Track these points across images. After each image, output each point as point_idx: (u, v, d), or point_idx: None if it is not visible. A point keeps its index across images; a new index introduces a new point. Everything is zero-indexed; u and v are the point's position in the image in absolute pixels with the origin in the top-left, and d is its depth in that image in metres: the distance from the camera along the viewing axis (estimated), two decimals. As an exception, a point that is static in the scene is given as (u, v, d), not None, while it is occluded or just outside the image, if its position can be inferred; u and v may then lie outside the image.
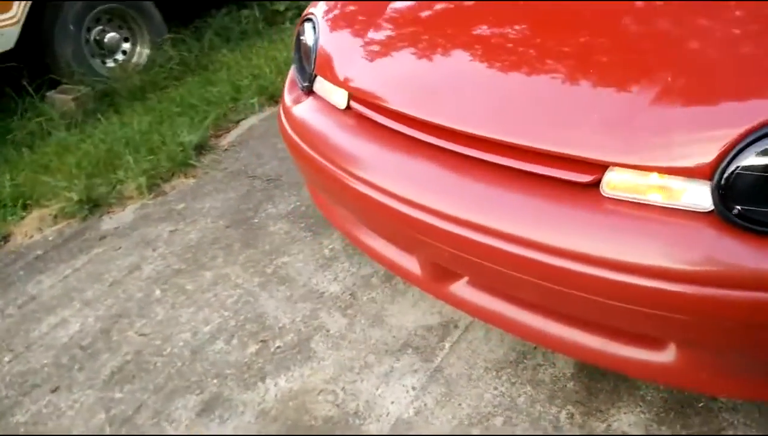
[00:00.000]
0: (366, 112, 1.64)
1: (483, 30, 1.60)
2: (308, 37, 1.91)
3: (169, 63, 4.13)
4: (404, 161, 1.51)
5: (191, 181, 2.87)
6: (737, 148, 1.08)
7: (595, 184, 1.22)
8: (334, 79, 1.75)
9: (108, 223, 2.65)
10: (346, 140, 1.67)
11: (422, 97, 1.52)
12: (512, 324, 1.48)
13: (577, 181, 1.23)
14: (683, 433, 1.47)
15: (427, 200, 1.41)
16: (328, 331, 1.94)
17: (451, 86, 1.49)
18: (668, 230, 1.14)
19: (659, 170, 1.15)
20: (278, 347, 1.91)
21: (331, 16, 1.95)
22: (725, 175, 1.09)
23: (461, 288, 1.54)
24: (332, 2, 2.01)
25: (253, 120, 3.40)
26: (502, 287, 1.44)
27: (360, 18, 1.89)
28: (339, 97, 1.73)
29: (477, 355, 1.76)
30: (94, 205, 2.74)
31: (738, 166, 1.08)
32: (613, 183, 1.20)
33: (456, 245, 1.38)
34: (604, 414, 1.55)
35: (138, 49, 4.24)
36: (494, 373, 1.70)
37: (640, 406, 1.55)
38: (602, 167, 1.21)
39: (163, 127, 3.29)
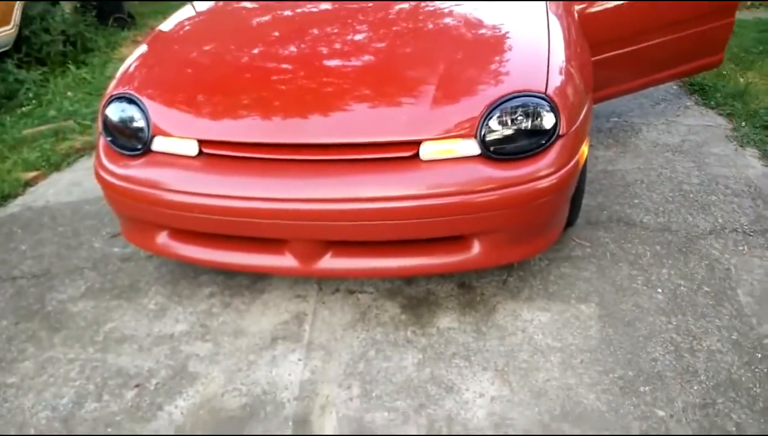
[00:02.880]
0: (219, 152, 2.06)
1: (290, 51, 2.23)
2: (129, 111, 2.18)
3: None
4: (270, 176, 2.00)
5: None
6: (484, 117, 1.96)
7: (416, 155, 1.96)
8: (180, 135, 2.10)
9: None
10: (207, 176, 2.04)
11: (268, 126, 2.04)
12: (366, 271, 2.11)
13: (405, 155, 1.96)
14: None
15: (303, 194, 1.94)
16: (198, 355, 2.17)
17: (287, 110, 2.06)
18: (457, 167, 1.95)
19: (449, 137, 1.97)
20: (157, 383, 2.06)
21: (143, 86, 2.26)
22: (482, 133, 1.96)
23: (327, 261, 2.08)
24: (131, 73, 2.32)
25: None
26: (361, 236, 2.02)
27: (170, 81, 2.27)
28: (188, 147, 2.09)
29: (332, 324, 2.26)
30: None
31: (488, 128, 1.96)
32: (426, 152, 1.97)
33: (330, 217, 1.94)
34: (431, 323, 2.23)
35: None
36: (350, 329, 2.23)
37: (446, 310, 2.29)
38: (418, 144, 1.96)
39: None
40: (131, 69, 2.37)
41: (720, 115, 3.96)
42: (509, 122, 1.97)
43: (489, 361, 2.06)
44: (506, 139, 1.97)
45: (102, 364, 2.15)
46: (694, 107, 4.11)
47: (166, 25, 2.65)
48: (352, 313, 2.32)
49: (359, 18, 2.50)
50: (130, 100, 2.20)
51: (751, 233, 2.69)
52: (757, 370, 1.97)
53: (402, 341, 2.18)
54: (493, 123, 1.96)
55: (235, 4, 2.78)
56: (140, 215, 2.20)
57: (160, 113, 2.15)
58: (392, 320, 2.28)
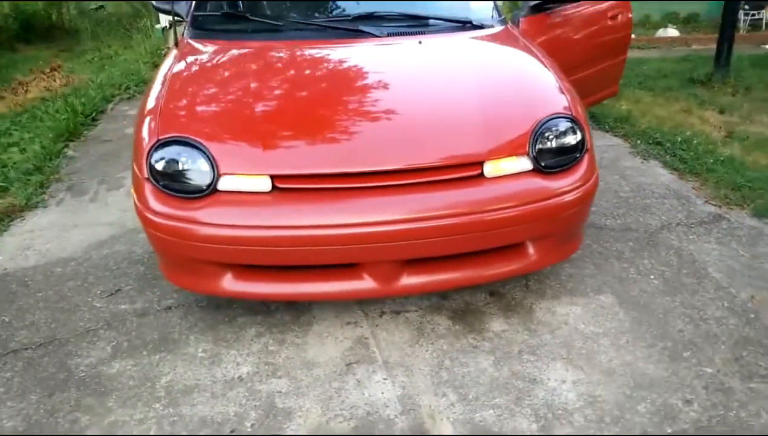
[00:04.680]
0: (294, 186, 2.10)
1: (325, 87, 2.43)
2: (187, 155, 2.14)
3: None
4: (347, 203, 2.08)
5: None
6: (532, 137, 2.24)
7: (481, 174, 2.18)
8: (252, 172, 2.10)
9: None
10: (284, 209, 2.07)
11: (341, 156, 2.13)
12: (439, 284, 2.28)
13: (472, 174, 2.17)
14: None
15: (381, 217, 2.07)
16: (280, 391, 2.15)
17: (355, 140, 2.17)
18: (516, 182, 2.21)
19: (506, 156, 2.22)
20: (252, 424, 2.02)
21: (195, 128, 2.23)
22: (533, 151, 2.24)
23: (405, 279, 2.21)
24: (168, 117, 2.28)
25: None
26: (437, 252, 2.18)
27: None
28: (261, 184, 2.10)
29: (396, 343, 2.36)
30: None
31: (536, 147, 2.24)
32: (489, 170, 2.20)
33: (409, 236, 2.08)
34: (485, 328, 2.42)
35: None
36: (416, 345, 2.34)
37: (491, 316, 2.49)
38: (481, 163, 2.19)
39: None
40: (164, 113, 2.31)
41: (616, 136, 4.66)
42: (552, 141, 2.27)
43: (553, 352, 2.30)
44: (551, 155, 2.27)
45: (179, 418, 2.05)
46: (595, 132, 4.78)
47: (177, 67, 2.61)
48: (409, 331, 2.43)
49: (368, 56, 2.68)
50: (185, 144, 2.17)
51: (691, 225, 3.24)
52: (758, 326, 2.43)
53: (468, 347, 2.34)
54: (540, 142, 2.25)
55: (239, 46, 2.80)
56: (206, 257, 2.15)
57: (224, 153, 2.14)
58: (449, 331, 2.43)
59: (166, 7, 3.10)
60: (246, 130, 2.21)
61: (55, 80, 6.93)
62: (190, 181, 2.14)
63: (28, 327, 2.56)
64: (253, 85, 2.40)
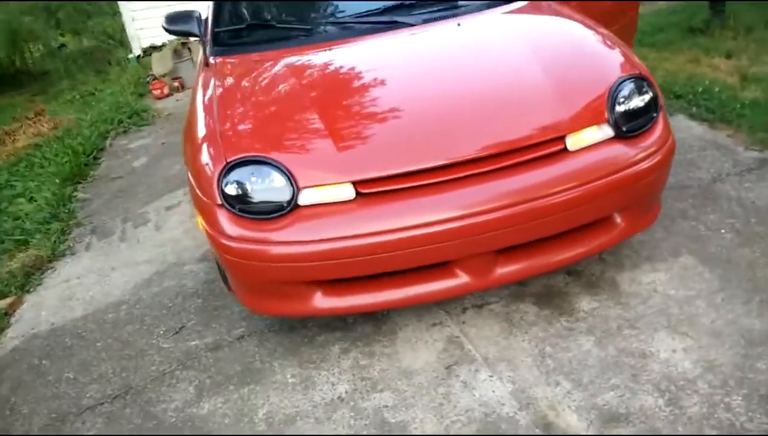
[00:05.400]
0: (378, 190, 2.00)
1: (386, 81, 2.33)
2: (262, 173, 2.04)
3: None
4: (434, 199, 1.99)
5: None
6: (609, 103, 2.15)
7: (565, 149, 2.10)
8: (333, 181, 2.00)
9: None
10: (374, 214, 1.97)
11: (420, 152, 2.03)
12: (534, 269, 2.19)
13: (556, 150, 2.09)
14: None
15: (472, 209, 1.97)
16: (386, 406, 2.06)
17: (430, 134, 2.07)
18: (601, 151, 2.12)
19: (586, 126, 2.13)
20: (368, 445, 1.92)
21: (265, 145, 2.13)
22: (613, 117, 2.15)
23: (501, 269, 2.12)
24: (232, 137, 2.18)
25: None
26: (530, 236, 2.09)
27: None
28: (344, 191, 2.00)
29: (490, 338, 2.27)
30: None
31: (614, 112, 2.15)
32: (571, 143, 2.11)
33: (501, 224, 1.99)
34: (575, 309, 2.34)
35: None
36: (510, 337, 2.26)
37: (577, 296, 2.41)
38: (562, 138, 2.10)
39: None
40: (225, 136, 2.18)
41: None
42: (628, 103, 2.18)
43: (653, 323, 2.23)
44: (630, 118, 2.18)
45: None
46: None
47: (219, 87, 2.48)
48: (498, 323, 2.35)
49: (411, 46, 2.58)
50: (257, 163, 2.05)
51: (741, 173, 3.18)
52: None
53: (564, 331, 2.26)
54: (617, 106, 2.17)
55: (274, 56, 2.67)
56: (295, 277, 2.05)
57: (300, 166, 2.03)
58: (538, 317, 2.35)
59: (180, 28, 2.96)
60: (316, 140, 2.10)
61: (42, 125, 6.72)
62: (269, 201, 2.03)
63: (97, 381, 2.44)
64: (306, 92, 2.28)
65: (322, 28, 2.77)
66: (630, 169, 2.12)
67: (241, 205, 2.04)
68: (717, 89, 4.22)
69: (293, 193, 2.01)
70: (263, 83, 2.47)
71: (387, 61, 2.50)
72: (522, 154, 2.06)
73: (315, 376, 2.24)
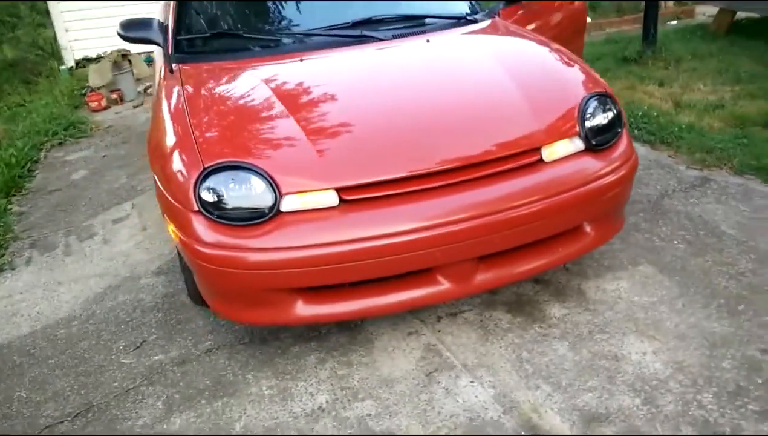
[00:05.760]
0: (361, 197, 1.99)
1: (366, 91, 2.37)
2: (242, 178, 1.99)
3: None
4: (416, 206, 2.00)
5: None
6: (579, 118, 2.25)
7: (540, 160, 2.17)
8: (316, 188, 1.98)
9: None
10: (357, 221, 1.96)
11: (403, 160, 2.04)
12: (511, 277, 2.23)
13: (532, 160, 2.15)
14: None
15: (453, 216, 2.00)
16: (369, 414, 2.03)
17: (412, 143, 2.10)
18: (573, 162, 2.20)
19: (559, 139, 2.21)
20: (354, 454, 1.88)
21: (242, 151, 2.09)
22: (583, 131, 2.24)
23: (481, 276, 2.14)
24: (208, 143, 2.12)
25: None
26: (508, 244, 2.13)
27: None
28: (328, 198, 1.98)
29: (467, 345, 2.29)
30: None
31: (584, 126, 2.24)
32: (547, 154, 2.18)
33: (481, 232, 2.03)
34: (546, 316, 2.40)
35: None
36: (487, 343, 2.29)
37: (546, 303, 2.48)
38: (539, 149, 2.17)
39: None
40: (200, 141, 2.12)
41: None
42: (596, 118, 2.29)
43: (621, 327, 2.31)
44: (598, 132, 2.28)
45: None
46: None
47: (188, 94, 2.41)
48: (473, 330, 2.37)
49: (387, 58, 2.62)
50: (237, 168, 2.00)
51: (686, 189, 3.38)
52: (792, 272, 2.56)
53: (538, 336, 2.31)
54: (587, 121, 2.27)
55: (243, 64, 2.62)
56: (276, 284, 2.00)
57: (282, 172, 1.99)
58: (512, 324, 2.39)
59: (138, 35, 2.87)
60: (295, 146, 2.07)
61: (-34, 137, 6.32)
62: (250, 207, 1.98)
63: (53, 399, 2.28)
64: (281, 100, 2.25)
65: (293, 38, 2.76)
66: (601, 180, 2.21)
67: (218, 211, 1.99)
68: (655, 114, 4.48)
69: (275, 199, 1.98)
70: (235, 91, 2.43)
71: (362, 72, 2.52)
72: (501, 164, 2.11)
73: (292, 387, 2.18)
